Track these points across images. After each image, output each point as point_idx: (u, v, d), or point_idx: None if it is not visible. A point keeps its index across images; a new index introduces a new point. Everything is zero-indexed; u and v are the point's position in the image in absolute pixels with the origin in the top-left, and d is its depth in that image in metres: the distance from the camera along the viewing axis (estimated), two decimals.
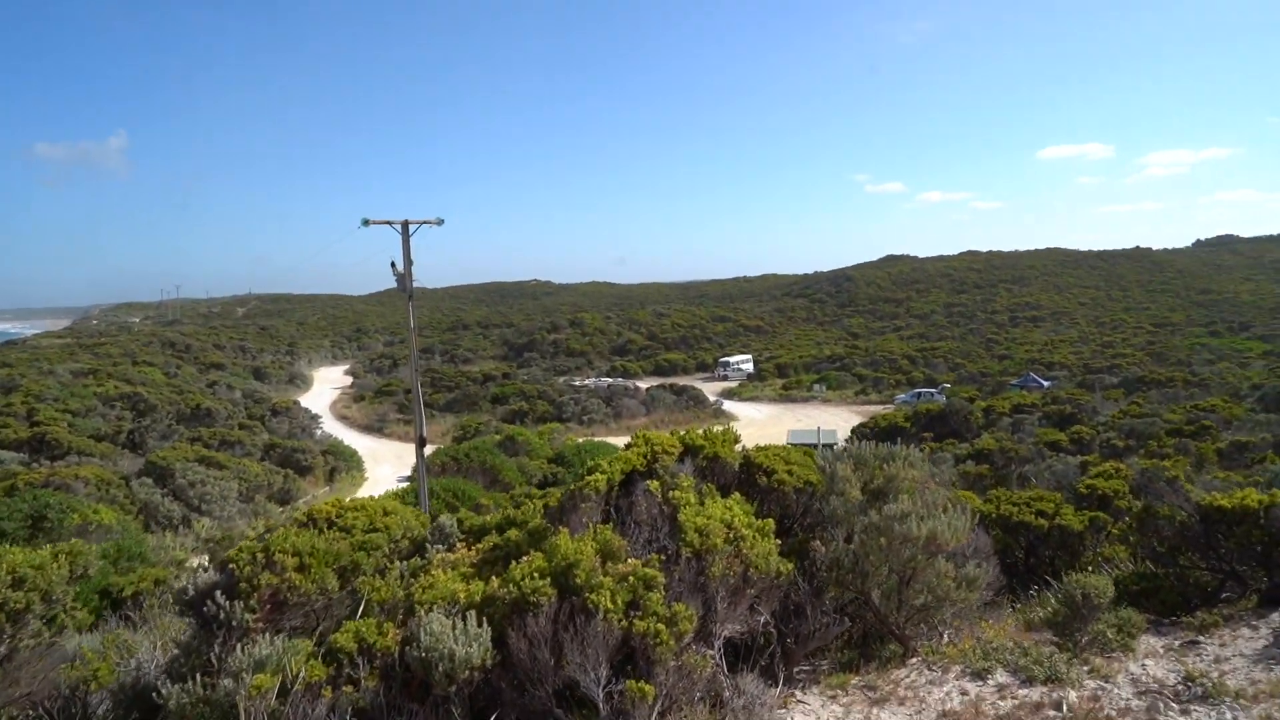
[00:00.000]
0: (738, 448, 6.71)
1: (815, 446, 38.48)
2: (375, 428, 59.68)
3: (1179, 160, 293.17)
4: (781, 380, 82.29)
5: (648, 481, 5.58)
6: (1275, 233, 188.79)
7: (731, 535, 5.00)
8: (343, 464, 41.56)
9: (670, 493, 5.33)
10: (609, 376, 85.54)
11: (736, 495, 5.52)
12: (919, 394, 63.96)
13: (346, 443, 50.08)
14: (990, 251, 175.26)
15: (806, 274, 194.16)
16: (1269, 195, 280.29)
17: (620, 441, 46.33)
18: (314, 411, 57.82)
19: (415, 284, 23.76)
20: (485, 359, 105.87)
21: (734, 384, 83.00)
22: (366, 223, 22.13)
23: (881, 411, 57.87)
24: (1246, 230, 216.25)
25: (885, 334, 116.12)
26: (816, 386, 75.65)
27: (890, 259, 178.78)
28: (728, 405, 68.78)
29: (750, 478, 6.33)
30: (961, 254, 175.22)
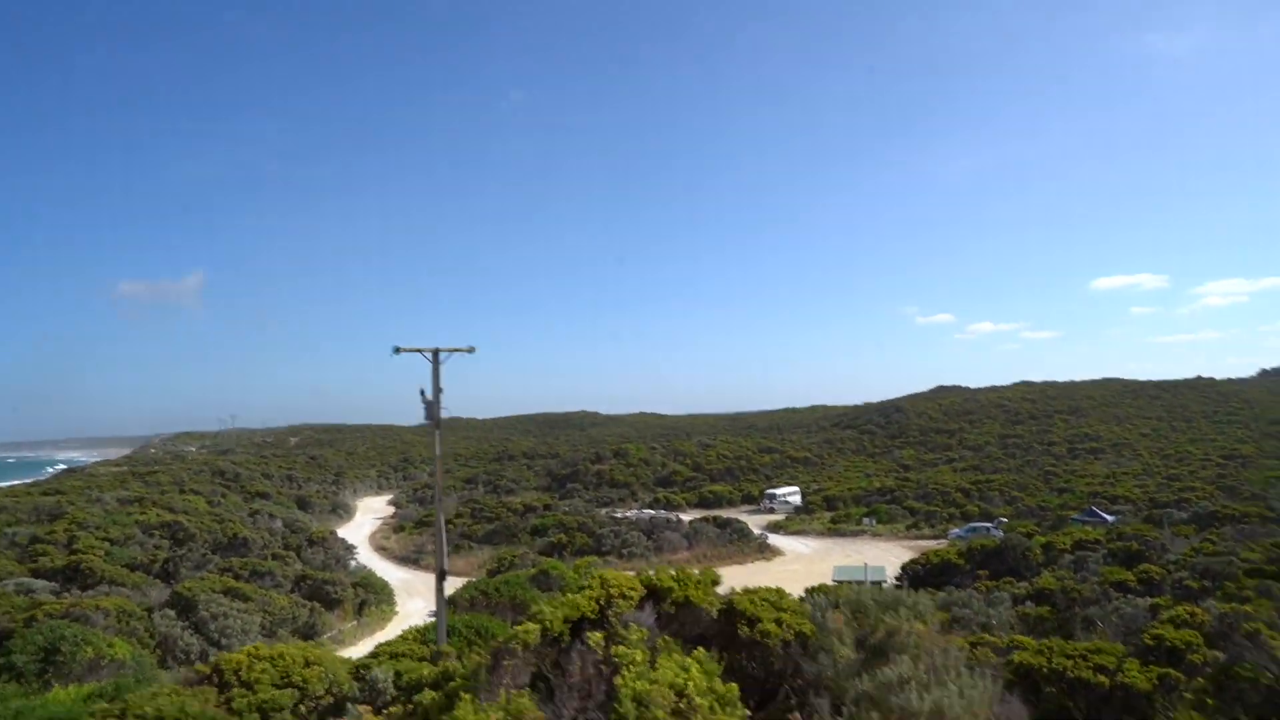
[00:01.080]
0: (725, 588, 5.92)
1: (862, 584, 36.63)
2: (412, 559, 58.80)
3: (1236, 290, 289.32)
4: (830, 513, 79.87)
5: (590, 634, 4.81)
6: None
7: (682, 705, 4.16)
8: (373, 597, 40.53)
9: (614, 648, 4.55)
10: (651, 508, 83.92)
11: (701, 652, 4.70)
12: (974, 529, 61.37)
13: (381, 574, 49.21)
14: (1045, 382, 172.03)
15: (855, 405, 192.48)
16: None
17: None
18: (350, 542, 57.21)
19: (448, 413, 23.48)
20: (528, 489, 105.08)
21: (780, 517, 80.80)
22: (398, 350, 22.16)
23: (934, 547, 55.28)
24: None
25: (938, 466, 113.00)
26: (866, 520, 73.11)
27: (941, 389, 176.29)
28: (773, 539, 66.65)
29: (731, 627, 5.50)
30: (1015, 384, 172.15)
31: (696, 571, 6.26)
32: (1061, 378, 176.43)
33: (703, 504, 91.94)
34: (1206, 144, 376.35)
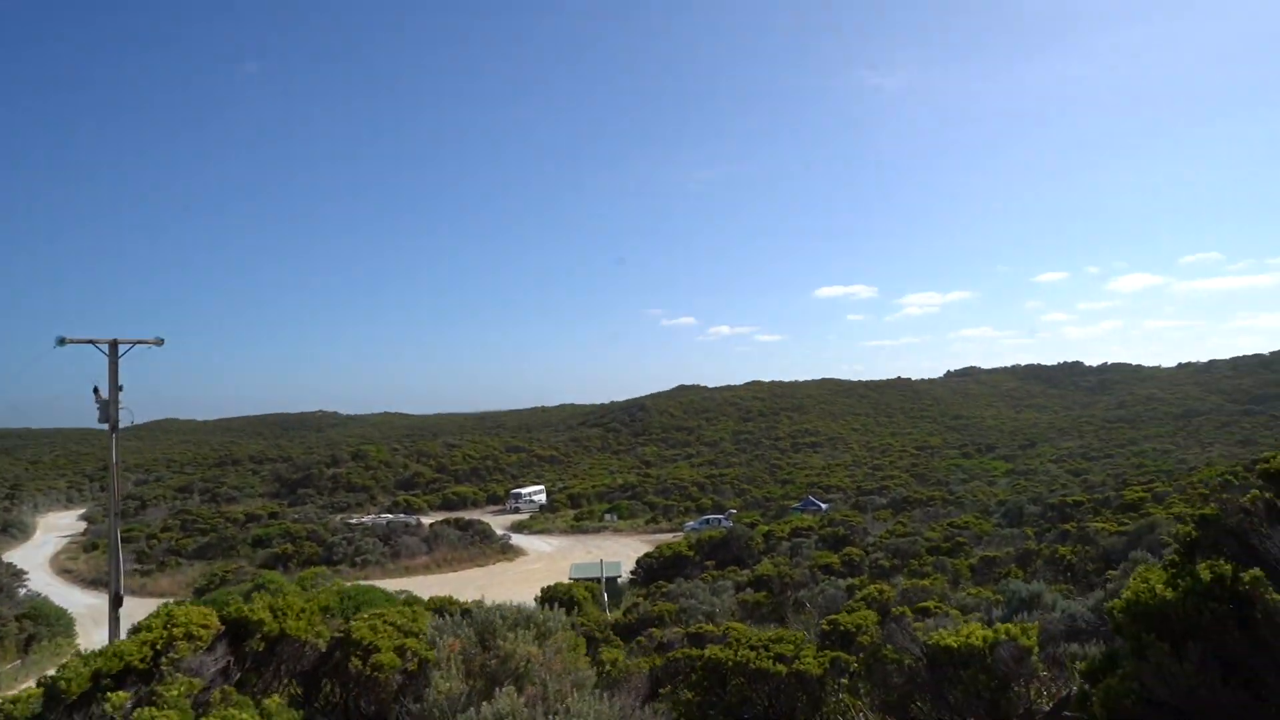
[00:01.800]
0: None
1: (599, 580, 37.07)
2: (105, 582, 51.50)
3: (930, 301, 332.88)
4: (574, 511, 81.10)
5: (114, 695, 3.81)
6: (1008, 365, 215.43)
7: None
8: (45, 630, 34.91)
9: (140, 711, 3.63)
10: (391, 512, 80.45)
11: (273, 701, 4.00)
12: (707, 520, 64.75)
13: (62, 602, 42.66)
14: (773, 381, 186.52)
15: (602, 404, 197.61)
16: (1001, 332, 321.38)
17: (397, 585, 42.64)
18: (20, 567, 49.26)
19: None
20: (253, 497, 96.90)
21: (525, 516, 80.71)
22: (62, 341, 18.97)
23: (671, 540, 57.70)
24: (986, 363, 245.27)
25: (677, 462, 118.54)
26: (608, 516, 74.96)
27: (682, 389, 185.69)
28: (517, 539, 66.32)
29: (345, 661, 4.84)
30: (747, 384, 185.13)
31: (298, 598, 5.50)
32: (787, 378, 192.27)
33: (447, 506, 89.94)
34: (913, 170, 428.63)
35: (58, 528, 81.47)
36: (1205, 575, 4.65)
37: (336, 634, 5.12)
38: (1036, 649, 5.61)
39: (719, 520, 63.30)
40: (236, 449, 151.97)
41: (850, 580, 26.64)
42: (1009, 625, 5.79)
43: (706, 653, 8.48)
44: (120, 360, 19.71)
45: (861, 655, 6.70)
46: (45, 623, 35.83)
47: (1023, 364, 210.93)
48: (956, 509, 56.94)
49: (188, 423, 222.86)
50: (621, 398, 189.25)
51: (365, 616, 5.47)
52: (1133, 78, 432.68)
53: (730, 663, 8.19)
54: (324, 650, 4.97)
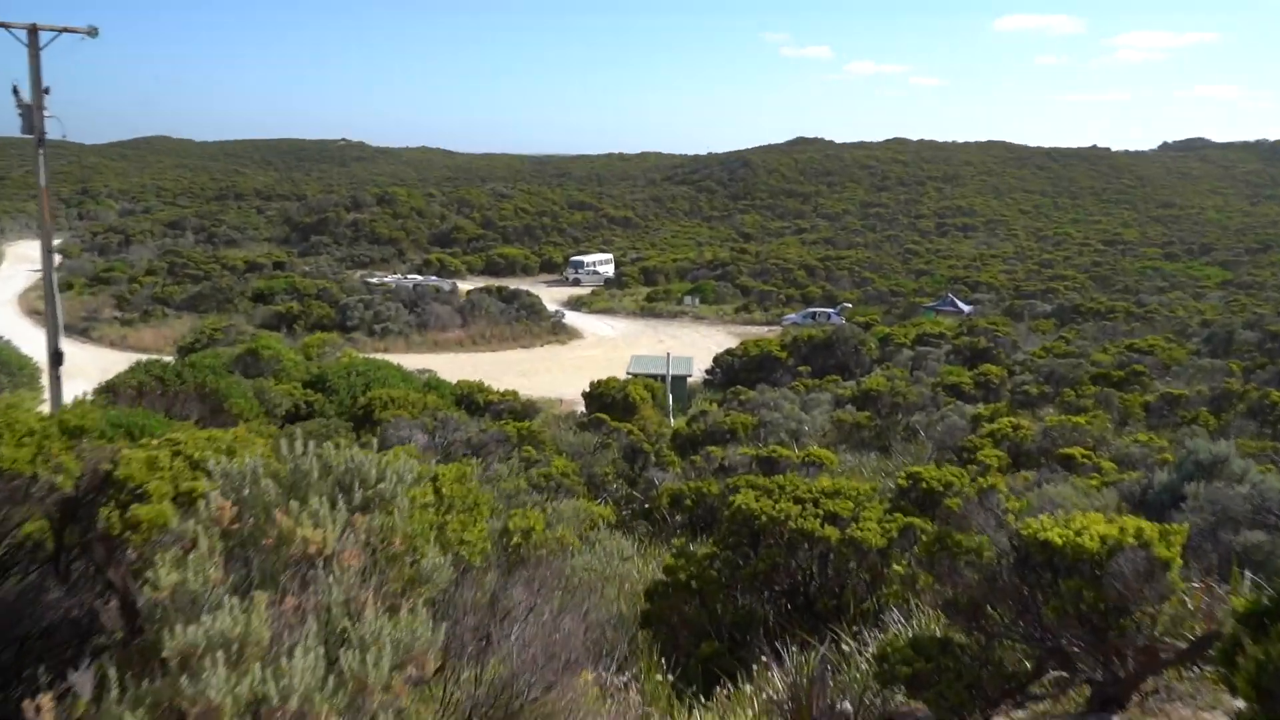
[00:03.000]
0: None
1: (663, 378, 37.48)
2: (80, 329, 55.15)
3: (1157, 44, 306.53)
4: (647, 289, 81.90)
5: None
6: (1252, 139, 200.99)
7: None
8: (6, 379, 37.37)
9: None
10: (421, 273, 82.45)
11: None
12: (812, 314, 64.67)
13: (29, 349, 45.75)
14: (921, 141, 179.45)
15: (696, 155, 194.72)
16: (1253, 93, 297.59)
17: (422, 363, 44.05)
18: None
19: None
20: (257, 241, 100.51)
21: (586, 291, 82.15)
22: None
23: (763, 335, 57.87)
24: (1221, 134, 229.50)
25: (784, 236, 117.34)
26: (689, 299, 75.40)
27: (800, 143, 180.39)
28: (572, 318, 67.80)
29: (92, 510, 4.29)
30: (888, 141, 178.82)
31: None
32: (942, 137, 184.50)
33: (489, 271, 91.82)
34: None
35: (30, 259, 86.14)
36: None
37: (105, 467, 4.62)
38: (1179, 562, 4.84)
39: (828, 315, 63.12)
40: (240, 180, 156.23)
41: (980, 407, 26.14)
42: (1142, 523, 5.01)
43: (735, 500, 8.14)
44: (45, 55, 19.25)
45: (924, 537, 6.04)
46: (6, 371, 38.31)
47: (1271, 139, 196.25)
48: (1144, 327, 55.13)
49: (183, 143, 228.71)
50: (720, 149, 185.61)
51: (150, 445, 4.95)
52: None
53: (764, 516, 7.78)
54: (72, 493, 4.49)
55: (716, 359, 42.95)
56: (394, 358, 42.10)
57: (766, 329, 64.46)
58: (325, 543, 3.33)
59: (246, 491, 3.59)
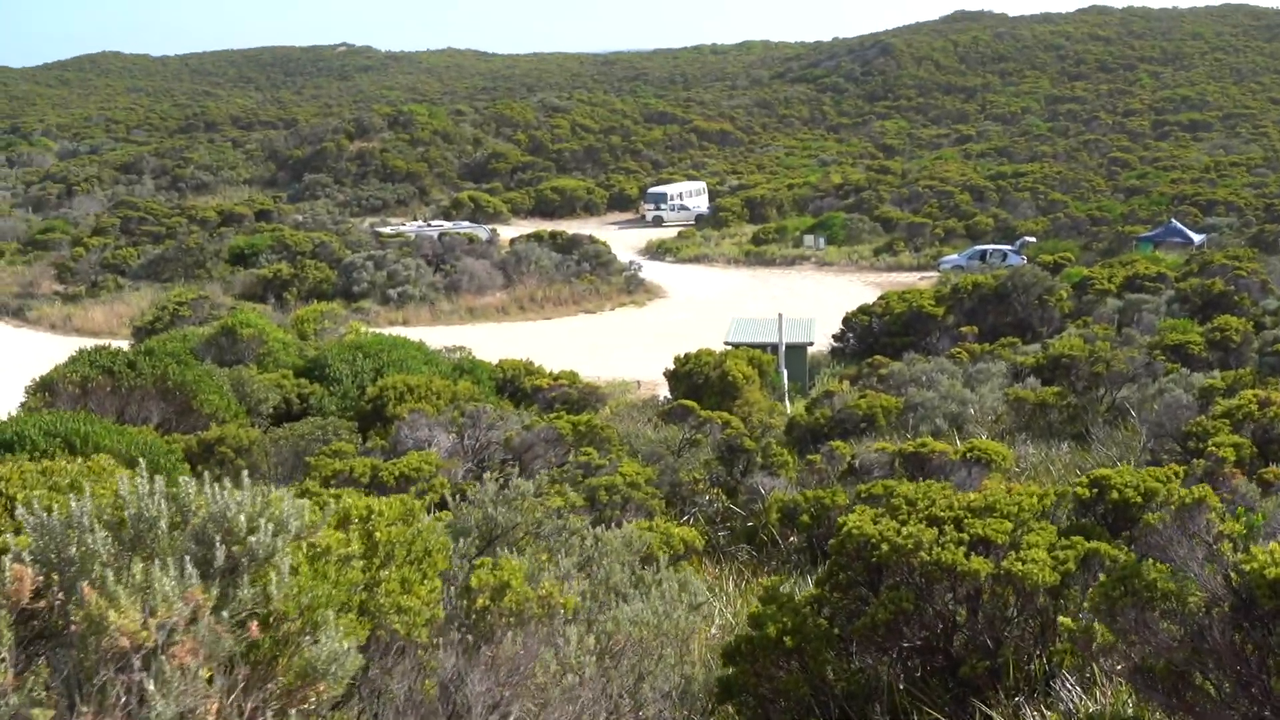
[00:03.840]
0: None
1: (774, 349, 36.85)
2: (13, 309, 56.87)
3: None
4: (753, 228, 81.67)
5: None
6: None
7: None
8: None
9: None
10: (449, 219, 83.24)
11: None
12: (982, 254, 63.87)
13: None
14: (1129, 8, 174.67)
15: (818, 42, 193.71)
16: None
17: (454, 336, 44.19)
18: None
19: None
20: (235, 185, 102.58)
21: (672, 233, 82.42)
22: None
23: (913, 284, 56.96)
24: None
25: (940, 148, 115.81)
26: (809, 239, 74.76)
27: (960, 18, 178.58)
28: (653, 270, 67.98)
29: None
30: (1082, 10, 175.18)
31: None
32: (1159, 2, 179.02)
33: (542, 212, 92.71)
34: None
35: None
36: None
37: None
38: None
39: (1002, 255, 62.13)
40: (212, 105, 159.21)
41: (1216, 376, 25.12)
42: None
43: (845, 523, 7.80)
44: None
45: (1103, 575, 5.60)
46: None
47: None
48: None
49: (138, 60, 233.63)
50: (849, 34, 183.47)
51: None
52: None
53: (885, 545, 7.35)
54: None
55: (848, 320, 42.62)
56: (415, 332, 42.30)
57: (918, 276, 63.99)
58: (143, 633, 3.11)
59: (72, 550, 3.44)
